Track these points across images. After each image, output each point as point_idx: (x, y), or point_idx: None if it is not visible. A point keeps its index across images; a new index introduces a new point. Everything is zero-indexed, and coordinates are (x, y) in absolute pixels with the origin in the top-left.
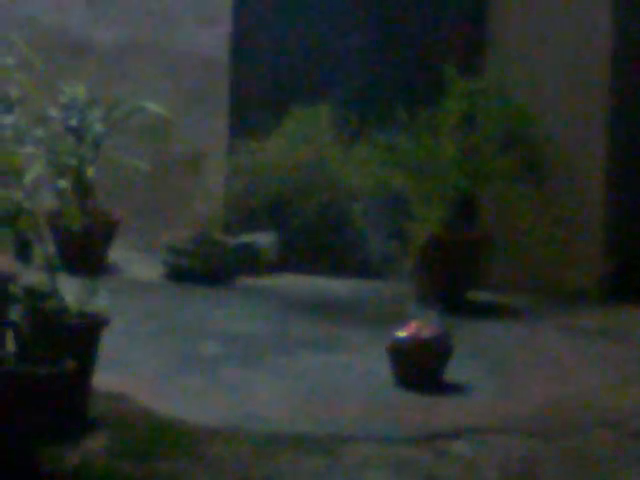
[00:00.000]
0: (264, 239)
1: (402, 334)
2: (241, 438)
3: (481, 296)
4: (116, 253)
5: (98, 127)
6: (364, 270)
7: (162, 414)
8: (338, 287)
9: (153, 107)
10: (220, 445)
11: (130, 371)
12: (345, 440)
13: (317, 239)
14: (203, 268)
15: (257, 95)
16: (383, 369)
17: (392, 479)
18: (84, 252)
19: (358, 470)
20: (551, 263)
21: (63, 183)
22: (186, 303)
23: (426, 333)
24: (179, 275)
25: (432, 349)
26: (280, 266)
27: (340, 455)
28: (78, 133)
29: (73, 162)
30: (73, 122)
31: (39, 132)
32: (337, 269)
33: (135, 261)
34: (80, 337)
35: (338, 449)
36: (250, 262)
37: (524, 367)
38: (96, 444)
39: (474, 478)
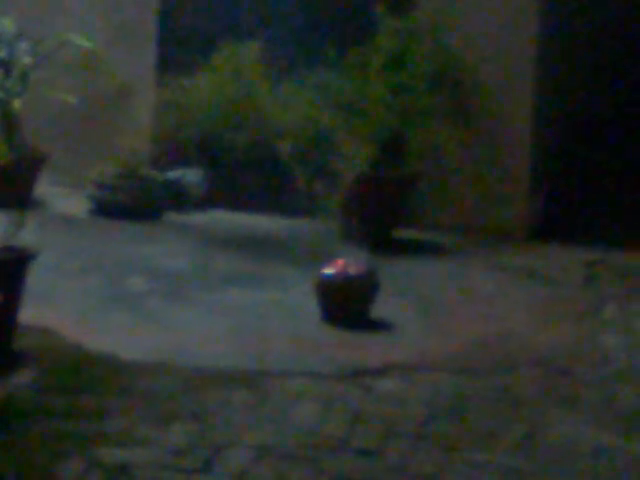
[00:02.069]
0: (192, 175)
1: (329, 271)
2: (168, 372)
3: (409, 235)
4: (43, 188)
5: (26, 60)
6: (293, 208)
7: (89, 349)
8: (266, 225)
9: (80, 41)
10: (147, 379)
11: (57, 306)
12: (273, 375)
13: (246, 176)
14: (130, 203)
15: (187, 30)
16: (311, 306)
17: (320, 414)
18: (10, 186)
19: (286, 405)
20: (478, 202)
21: None
22: (112, 239)
23: (353, 270)
24: (106, 210)
25: (359, 286)
26: (208, 203)
27: (268, 390)
28: (5, 66)
29: (0, 95)
30: (1, 55)
31: None
32: (266, 207)
33: (62, 196)
34: (6, 271)
35: (266, 384)
36: (178, 198)
37: (451, 305)
38: (22, 378)
39: (402, 414)
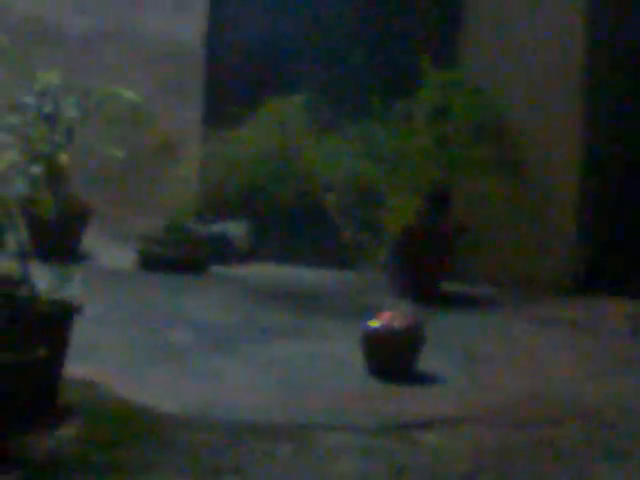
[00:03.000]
0: (237, 228)
1: (375, 324)
2: (211, 426)
3: (454, 288)
4: (90, 241)
5: (72, 113)
6: (337, 261)
7: (133, 402)
8: (311, 277)
9: (127, 94)
10: (190, 433)
11: (101, 359)
12: (316, 429)
13: (290, 229)
14: (176, 257)
15: (231, 84)
16: (356, 359)
17: (363, 468)
18: (57, 240)
19: (329, 459)
20: (524, 255)
21: (36, 169)
22: (158, 292)
23: (398, 323)
24: (152, 263)
25: (404, 339)
26: (253, 255)
27: (311, 444)
28: (52, 120)
29: (46, 149)
30: (47, 109)
31: (13, 119)
32: (310, 259)
33: (108, 249)
34: (51, 325)
35: (309, 438)
36: (223, 251)
37: (496, 358)
38: (67, 431)
39: (445, 469)
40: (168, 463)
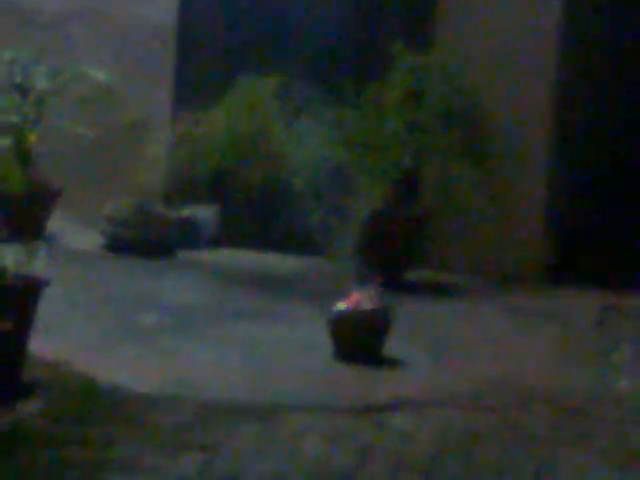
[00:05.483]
0: (205, 212)
1: (343, 306)
2: (178, 405)
3: (421, 275)
4: (56, 222)
5: (42, 84)
6: (305, 245)
7: (99, 380)
8: (279, 262)
9: (96, 74)
10: (157, 411)
11: (67, 338)
12: (283, 409)
13: (259, 213)
14: (142, 240)
15: (203, 65)
16: (323, 341)
17: (329, 447)
18: (23, 219)
19: (295, 438)
20: (492, 243)
21: (5, 142)
22: (124, 274)
23: (366, 306)
24: (118, 246)
25: (372, 321)
26: (221, 240)
27: (277, 423)
28: (21, 90)
29: (16, 120)
30: (17, 79)
31: None
32: (278, 244)
33: (75, 231)
34: (17, 298)
35: (275, 417)
36: (191, 235)
37: (464, 345)
38: (30, 407)
39: (412, 449)
40: (132, 440)
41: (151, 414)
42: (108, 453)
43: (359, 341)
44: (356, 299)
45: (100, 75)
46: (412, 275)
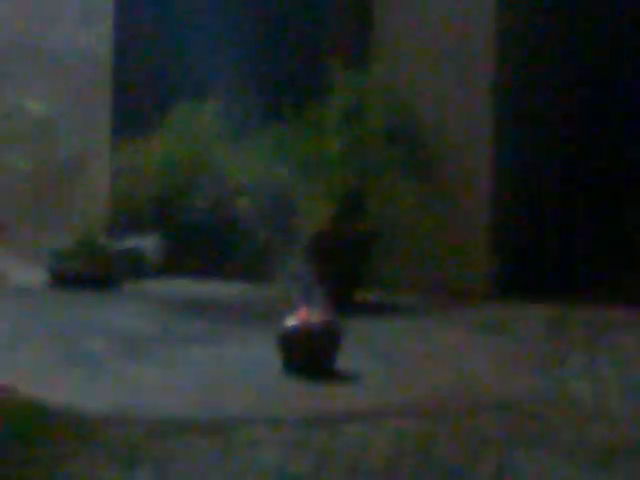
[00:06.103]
0: (148, 242)
1: (292, 322)
2: (129, 423)
3: (368, 294)
4: None
5: None
6: (251, 270)
7: (48, 403)
8: (225, 289)
9: (33, 106)
10: (109, 429)
11: (15, 367)
12: (235, 423)
13: (203, 240)
14: (87, 273)
15: (141, 92)
16: (272, 359)
17: (284, 457)
18: None
19: (249, 450)
20: (438, 260)
21: None
22: (70, 306)
23: (315, 320)
24: (63, 280)
25: (322, 336)
26: (165, 269)
27: (230, 437)
28: None
29: None
30: None
31: None
32: (223, 270)
33: (18, 267)
34: None
35: (228, 431)
36: (135, 266)
37: (413, 357)
38: None
39: (367, 455)
40: (84, 456)
41: (103, 432)
42: (60, 469)
43: (309, 355)
44: (305, 314)
45: (38, 107)
46: (361, 294)
